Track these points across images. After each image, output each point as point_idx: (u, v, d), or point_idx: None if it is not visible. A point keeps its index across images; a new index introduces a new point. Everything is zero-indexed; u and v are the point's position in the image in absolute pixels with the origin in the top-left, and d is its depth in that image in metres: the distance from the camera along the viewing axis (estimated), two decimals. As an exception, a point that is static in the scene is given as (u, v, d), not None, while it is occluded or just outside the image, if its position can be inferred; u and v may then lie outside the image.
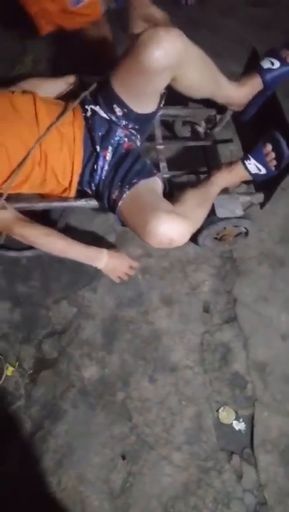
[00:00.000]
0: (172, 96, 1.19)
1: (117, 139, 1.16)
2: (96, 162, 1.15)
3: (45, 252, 1.20)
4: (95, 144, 1.14)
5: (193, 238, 1.31)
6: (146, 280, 1.45)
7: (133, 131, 1.18)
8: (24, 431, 1.18)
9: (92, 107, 1.14)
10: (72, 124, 1.14)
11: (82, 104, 1.16)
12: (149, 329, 1.36)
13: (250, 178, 1.23)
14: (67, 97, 1.22)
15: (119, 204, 1.10)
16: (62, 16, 1.42)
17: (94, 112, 1.15)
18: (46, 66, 1.91)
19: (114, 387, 1.26)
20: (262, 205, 1.35)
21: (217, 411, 1.25)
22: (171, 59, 0.98)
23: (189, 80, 1.11)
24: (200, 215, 1.19)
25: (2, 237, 1.20)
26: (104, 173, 1.16)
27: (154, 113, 1.17)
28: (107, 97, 1.11)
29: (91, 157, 1.16)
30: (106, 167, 1.16)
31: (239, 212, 1.28)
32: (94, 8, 1.42)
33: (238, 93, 1.24)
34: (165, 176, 1.32)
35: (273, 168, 1.18)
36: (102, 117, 1.15)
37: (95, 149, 1.15)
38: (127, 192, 1.09)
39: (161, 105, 1.18)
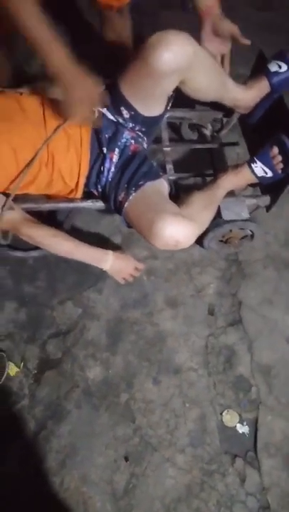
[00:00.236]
0: (179, 98, 1.19)
1: (123, 141, 1.16)
2: (103, 164, 1.16)
3: (52, 252, 1.21)
4: (102, 146, 1.15)
5: (199, 240, 1.31)
6: (151, 282, 1.45)
7: (140, 134, 1.18)
8: (27, 431, 1.19)
9: (100, 109, 1.15)
10: (80, 126, 1.14)
11: None
12: (153, 331, 1.36)
13: (256, 181, 1.23)
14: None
15: (126, 206, 1.11)
16: None
17: (101, 114, 1.15)
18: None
19: (118, 388, 1.26)
20: (268, 208, 1.35)
21: (221, 414, 1.25)
22: (180, 62, 0.99)
23: (198, 83, 1.11)
24: (206, 218, 1.19)
25: (9, 237, 1.21)
26: (110, 174, 1.16)
27: (161, 116, 1.18)
28: (115, 100, 1.11)
29: (98, 159, 1.16)
30: (113, 169, 1.16)
31: (245, 215, 1.28)
32: None
33: (245, 96, 1.24)
34: (171, 178, 1.32)
35: (280, 171, 1.18)
36: (109, 119, 1.15)
37: (102, 151, 1.15)
38: (134, 194, 1.09)
39: (168, 108, 1.18)
